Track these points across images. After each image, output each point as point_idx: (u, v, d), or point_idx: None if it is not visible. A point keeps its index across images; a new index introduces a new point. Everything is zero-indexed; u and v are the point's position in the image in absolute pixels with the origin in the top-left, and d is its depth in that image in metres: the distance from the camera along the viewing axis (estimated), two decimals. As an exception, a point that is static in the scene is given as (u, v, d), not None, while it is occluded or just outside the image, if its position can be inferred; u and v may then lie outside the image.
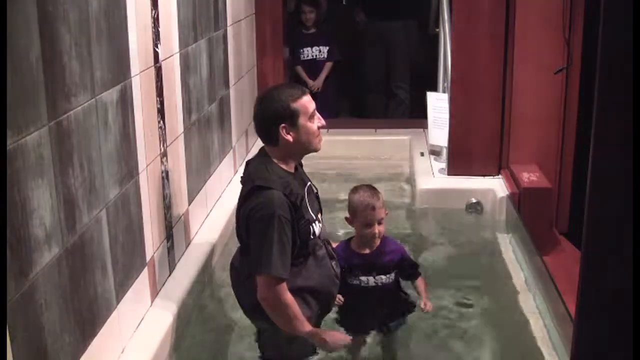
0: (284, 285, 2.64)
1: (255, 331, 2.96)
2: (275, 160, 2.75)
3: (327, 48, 6.10)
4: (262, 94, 2.90)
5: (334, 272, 2.84)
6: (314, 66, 6.06)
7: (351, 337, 2.80)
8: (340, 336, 2.78)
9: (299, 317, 2.67)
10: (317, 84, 5.95)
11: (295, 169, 2.84)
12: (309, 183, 2.87)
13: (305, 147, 2.77)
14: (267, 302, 2.66)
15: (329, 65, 6.08)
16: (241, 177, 2.87)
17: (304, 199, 2.75)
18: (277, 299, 2.64)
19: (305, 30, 6.11)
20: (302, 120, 2.72)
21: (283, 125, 2.70)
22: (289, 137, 2.71)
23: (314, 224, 2.77)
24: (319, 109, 2.86)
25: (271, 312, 2.68)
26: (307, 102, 2.74)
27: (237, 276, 2.86)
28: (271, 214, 2.60)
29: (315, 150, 2.82)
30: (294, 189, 2.70)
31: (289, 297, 2.65)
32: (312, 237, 2.75)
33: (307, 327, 2.69)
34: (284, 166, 2.76)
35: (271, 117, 2.72)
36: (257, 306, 2.72)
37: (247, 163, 2.90)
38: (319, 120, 2.78)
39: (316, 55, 6.10)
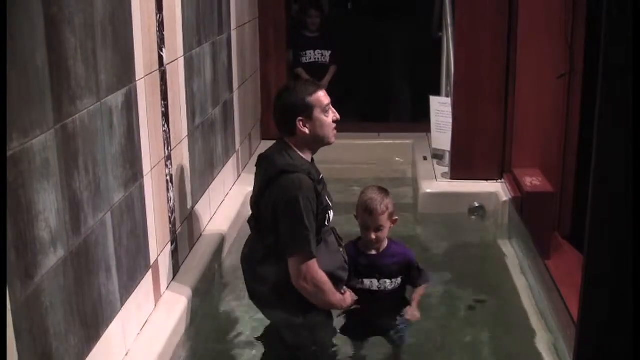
0: (316, 262, 2.76)
1: (262, 331, 2.98)
2: (294, 148, 2.88)
3: (330, 52, 6.12)
4: (281, 88, 3.07)
5: (344, 258, 2.91)
6: (315, 69, 6.07)
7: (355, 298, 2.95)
8: (350, 299, 2.92)
9: (332, 290, 2.81)
10: (324, 84, 6.00)
11: (311, 160, 2.95)
12: (322, 175, 2.96)
13: (320, 138, 2.90)
14: (305, 283, 2.75)
15: (333, 69, 6.11)
16: (257, 164, 2.97)
17: (323, 185, 2.87)
18: (313, 277, 2.75)
19: (309, 33, 6.13)
20: (316, 113, 2.86)
21: (300, 118, 2.85)
22: (306, 130, 2.86)
23: (330, 212, 2.88)
24: None
25: (308, 290, 2.76)
26: (322, 97, 2.89)
27: (251, 264, 2.91)
28: (300, 196, 2.72)
29: (329, 143, 2.94)
30: (314, 175, 2.83)
31: (322, 273, 2.77)
32: (326, 224, 2.85)
33: (338, 296, 2.86)
34: (302, 154, 2.88)
35: (288, 110, 2.88)
36: (274, 292, 2.79)
37: (261, 155, 2.99)
38: (333, 114, 2.91)
39: (318, 59, 6.12)
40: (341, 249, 2.93)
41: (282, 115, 2.91)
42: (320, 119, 2.87)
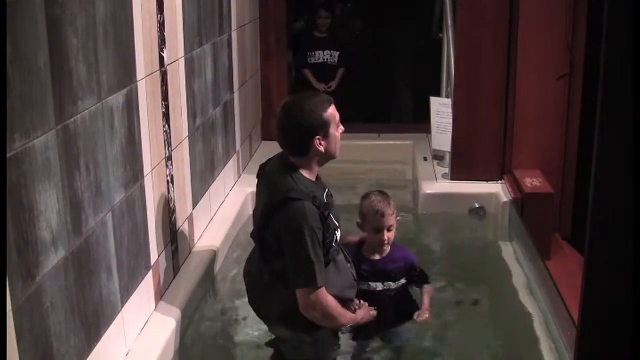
0: (324, 291, 2.69)
1: (262, 334, 2.98)
2: (300, 170, 2.77)
3: (339, 53, 6.11)
4: (289, 105, 2.82)
5: (353, 276, 2.88)
6: (323, 70, 6.06)
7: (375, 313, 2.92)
8: (367, 314, 2.89)
9: (343, 312, 2.76)
10: (333, 86, 6.00)
11: (317, 176, 2.87)
12: (327, 189, 2.90)
13: (331, 155, 2.81)
14: (314, 312, 2.70)
15: (342, 71, 6.10)
16: (258, 176, 2.90)
17: (329, 208, 2.77)
18: (322, 305, 2.69)
19: (318, 34, 6.12)
20: (332, 129, 2.77)
21: (318, 137, 2.73)
22: (322, 148, 2.74)
23: (337, 232, 2.81)
24: None
25: (317, 318, 2.72)
26: (334, 111, 2.80)
27: (256, 285, 2.87)
28: (305, 226, 2.63)
29: (335, 158, 2.85)
30: (320, 199, 2.73)
31: (330, 299, 2.71)
32: (334, 244, 2.78)
33: (350, 315, 2.81)
34: (308, 175, 2.79)
35: (306, 130, 2.72)
36: (282, 317, 2.78)
37: (264, 166, 2.91)
38: (341, 128, 2.83)
39: (327, 59, 6.10)
40: (349, 265, 2.90)
41: (297, 135, 2.74)
42: (335, 135, 2.77)
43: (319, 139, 2.72)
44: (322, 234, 2.69)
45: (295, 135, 2.75)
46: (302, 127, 2.72)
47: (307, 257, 2.63)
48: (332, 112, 2.77)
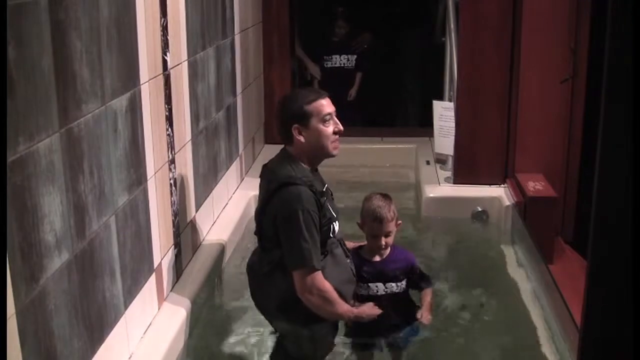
0: (321, 274, 2.71)
1: (265, 336, 2.98)
2: (296, 158, 2.83)
3: (356, 57, 6.07)
4: (283, 95, 3.03)
5: (352, 271, 2.88)
6: (340, 74, 6.02)
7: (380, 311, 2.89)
8: (370, 310, 2.88)
9: (338, 300, 2.77)
10: (352, 93, 5.99)
11: (315, 170, 2.90)
12: (326, 185, 2.93)
13: (317, 149, 2.83)
14: (310, 294, 2.72)
15: (360, 75, 6.07)
16: (261, 175, 2.94)
17: (325, 197, 2.82)
18: (318, 289, 2.71)
19: (334, 37, 6.09)
20: (313, 122, 2.80)
21: (295, 126, 2.80)
22: (301, 138, 2.81)
23: (334, 223, 2.84)
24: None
25: (314, 303, 2.73)
26: (321, 105, 2.81)
27: (256, 275, 2.90)
28: (300, 209, 2.68)
29: (330, 155, 2.87)
30: (317, 187, 2.78)
31: (327, 284, 2.73)
32: (331, 235, 2.81)
33: (345, 306, 2.81)
34: (304, 165, 2.84)
35: (286, 118, 2.84)
36: (280, 307, 2.79)
37: (265, 165, 2.96)
38: (335, 125, 2.83)
39: (344, 64, 6.07)
40: (348, 260, 2.91)
41: (280, 122, 2.88)
42: (317, 128, 2.80)
43: (297, 128, 2.80)
44: (319, 218, 2.72)
45: (279, 122, 2.90)
46: (283, 115, 2.87)
47: (302, 238, 2.67)
48: (316, 105, 2.81)
